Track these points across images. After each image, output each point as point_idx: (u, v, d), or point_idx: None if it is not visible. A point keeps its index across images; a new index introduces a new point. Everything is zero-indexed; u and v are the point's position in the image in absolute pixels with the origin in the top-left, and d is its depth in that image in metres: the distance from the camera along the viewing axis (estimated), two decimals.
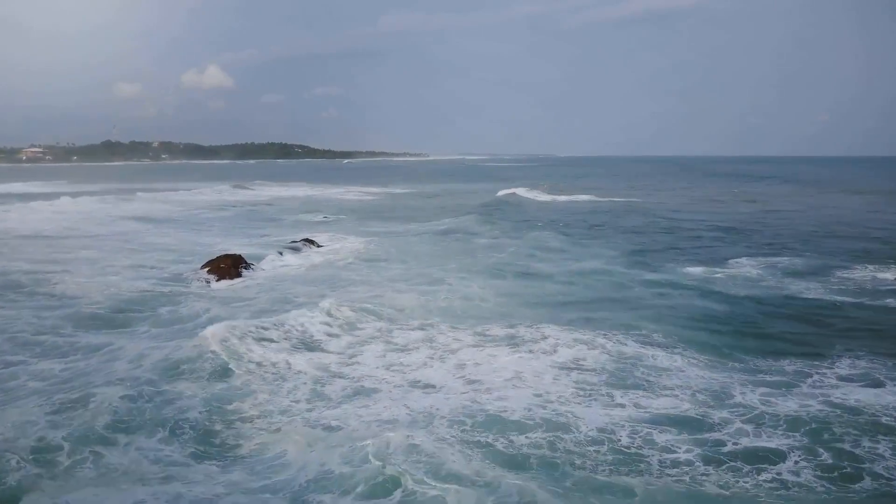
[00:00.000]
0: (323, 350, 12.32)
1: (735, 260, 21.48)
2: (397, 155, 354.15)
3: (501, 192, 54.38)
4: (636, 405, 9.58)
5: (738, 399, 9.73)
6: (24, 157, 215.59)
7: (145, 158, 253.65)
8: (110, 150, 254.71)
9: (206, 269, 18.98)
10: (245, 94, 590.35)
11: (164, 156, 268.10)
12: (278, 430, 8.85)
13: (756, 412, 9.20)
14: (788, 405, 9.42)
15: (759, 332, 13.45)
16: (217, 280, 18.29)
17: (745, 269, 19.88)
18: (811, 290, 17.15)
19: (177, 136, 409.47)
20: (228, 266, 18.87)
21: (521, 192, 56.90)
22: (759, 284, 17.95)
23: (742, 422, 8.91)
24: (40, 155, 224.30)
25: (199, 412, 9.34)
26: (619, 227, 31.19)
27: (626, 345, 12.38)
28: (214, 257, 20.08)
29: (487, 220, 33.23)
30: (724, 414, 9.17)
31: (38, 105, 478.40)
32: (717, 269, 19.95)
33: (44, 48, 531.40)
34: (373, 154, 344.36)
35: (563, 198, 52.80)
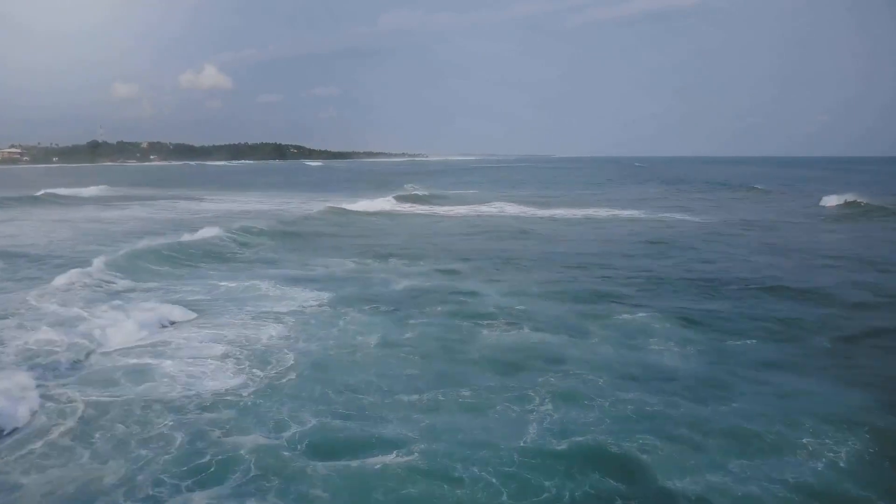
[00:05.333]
0: None
1: None
2: (396, 155, 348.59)
3: (319, 208, 40.51)
4: None
5: None
6: (0, 158, 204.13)
7: (132, 160, 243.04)
8: (95, 150, 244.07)
9: None
10: (243, 94, 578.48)
11: (152, 156, 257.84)
12: None
13: None
14: None
15: None
16: None
17: None
18: None
19: (174, 136, 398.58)
20: None
21: (380, 203, 45.34)
22: None
23: None
24: (17, 156, 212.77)
25: None
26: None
27: None
28: None
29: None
30: None
31: (34, 105, 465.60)
32: None
33: (41, 48, 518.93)
34: (371, 154, 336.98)
35: (442, 209, 43.08)
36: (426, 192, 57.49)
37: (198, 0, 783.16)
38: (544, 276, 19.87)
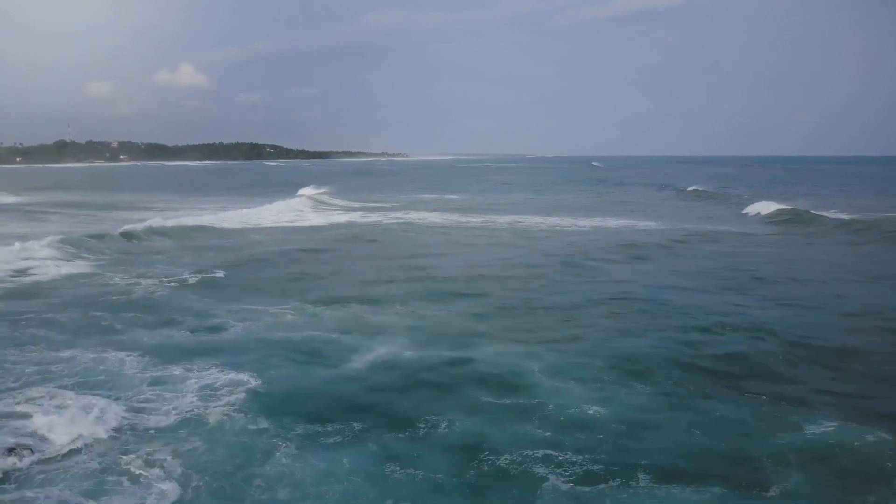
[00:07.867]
0: None
1: None
2: (374, 155, 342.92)
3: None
4: None
5: None
6: None
7: (100, 160, 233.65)
8: (62, 150, 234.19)
9: None
10: (223, 93, 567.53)
11: (122, 156, 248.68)
12: None
13: None
14: None
15: None
16: None
17: None
18: None
19: (154, 136, 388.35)
20: None
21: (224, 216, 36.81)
22: None
23: None
24: None
25: None
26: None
27: None
28: None
29: None
30: None
31: (9, 104, 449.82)
32: None
33: (28, 47, 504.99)
34: (349, 154, 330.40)
35: (337, 216, 39.68)
36: (335, 200, 51.59)
37: (186, 1, 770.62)
38: (538, 319, 14.20)
